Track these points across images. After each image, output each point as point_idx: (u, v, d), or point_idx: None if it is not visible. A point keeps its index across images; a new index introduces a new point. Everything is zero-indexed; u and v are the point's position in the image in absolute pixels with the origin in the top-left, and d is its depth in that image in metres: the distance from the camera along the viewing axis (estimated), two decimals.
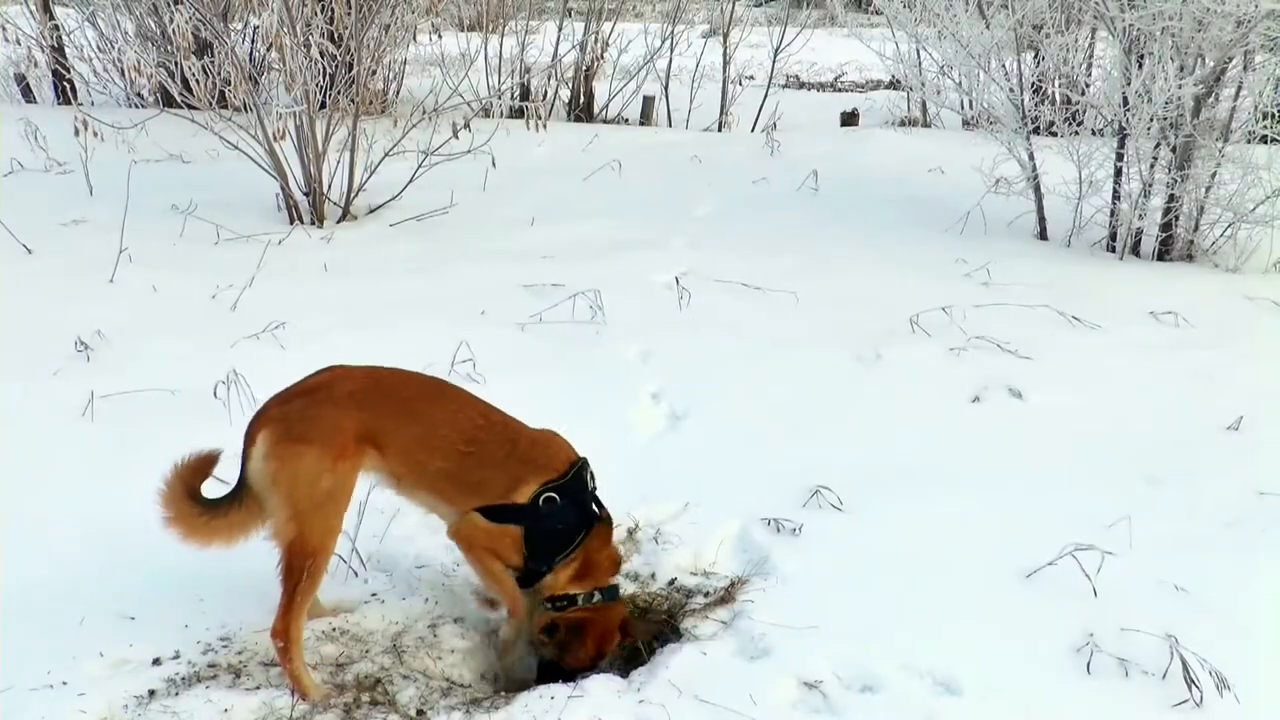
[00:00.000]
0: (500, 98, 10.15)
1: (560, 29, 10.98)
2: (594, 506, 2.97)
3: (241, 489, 2.78)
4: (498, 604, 3.07)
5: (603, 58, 11.23)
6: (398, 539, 3.41)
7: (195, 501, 2.77)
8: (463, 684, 2.95)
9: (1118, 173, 6.78)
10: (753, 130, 10.67)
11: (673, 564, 3.39)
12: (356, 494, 2.94)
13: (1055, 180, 7.04)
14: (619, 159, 8.67)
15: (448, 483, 2.90)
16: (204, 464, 2.81)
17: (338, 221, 7.12)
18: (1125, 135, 6.63)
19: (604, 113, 11.22)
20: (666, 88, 11.27)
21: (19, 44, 9.64)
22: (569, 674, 2.95)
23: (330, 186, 7.09)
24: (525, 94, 10.84)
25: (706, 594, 3.25)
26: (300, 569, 2.70)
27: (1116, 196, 6.83)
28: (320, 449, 2.72)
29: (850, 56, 14.57)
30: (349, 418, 2.79)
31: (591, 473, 2.99)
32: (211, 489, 2.86)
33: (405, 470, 2.89)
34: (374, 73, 8.52)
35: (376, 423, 2.83)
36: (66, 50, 10.07)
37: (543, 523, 2.86)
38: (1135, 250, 6.85)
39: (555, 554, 2.90)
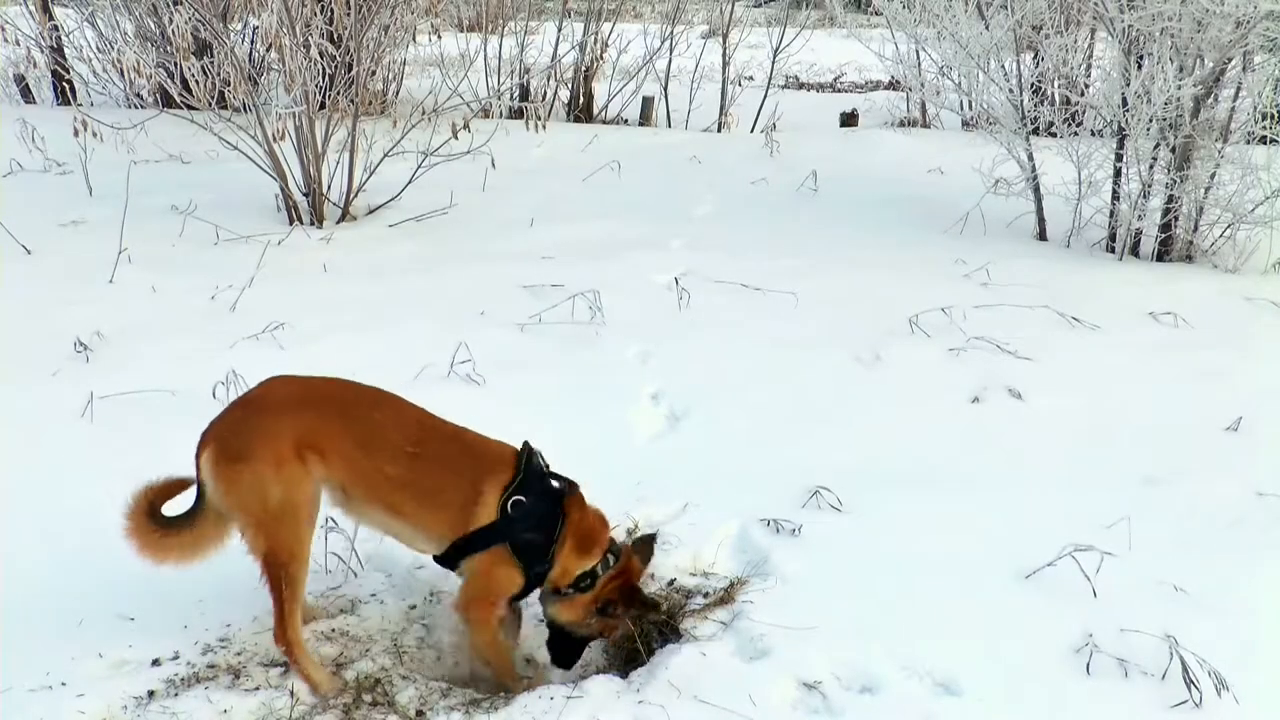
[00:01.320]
0: (500, 98, 10.15)
1: (560, 29, 10.98)
2: (555, 482, 2.90)
3: (198, 508, 2.77)
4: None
5: (602, 58, 11.24)
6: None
7: (152, 518, 2.76)
8: (462, 684, 2.95)
9: (1117, 173, 6.78)
10: (752, 131, 10.67)
11: (672, 565, 3.38)
12: None
13: (1054, 181, 7.05)
14: (618, 159, 8.67)
15: (402, 492, 2.80)
16: (171, 488, 2.81)
17: (337, 222, 7.12)
18: (1124, 136, 6.64)
19: (603, 113, 11.22)
20: (666, 88, 11.28)
21: (18, 44, 9.64)
22: (579, 648, 2.97)
23: (330, 187, 7.09)
24: (525, 94, 10.85)
25: (706, 594, 3.24)
26: (279, 578, 2.70)
27: (1116, 197, 6.84)
28: (258, 461, 2.68)
29: (849, 57, 14.58)
30: (284, 424, 2.73)
31: (539, 453, 2.91)
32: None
33: (352, 478, 2.79)
34: (373, 73, 8.53)
35: (315, 426, 2.76)
36: (66, 51, 10.08)
37: (520, 527, 2.80)
38: (1134, 251, 6.85)
39: (546, 549, 2.85)
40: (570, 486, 2.93)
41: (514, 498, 2.78)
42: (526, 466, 2.84)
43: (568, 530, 2.87)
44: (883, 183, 8.43)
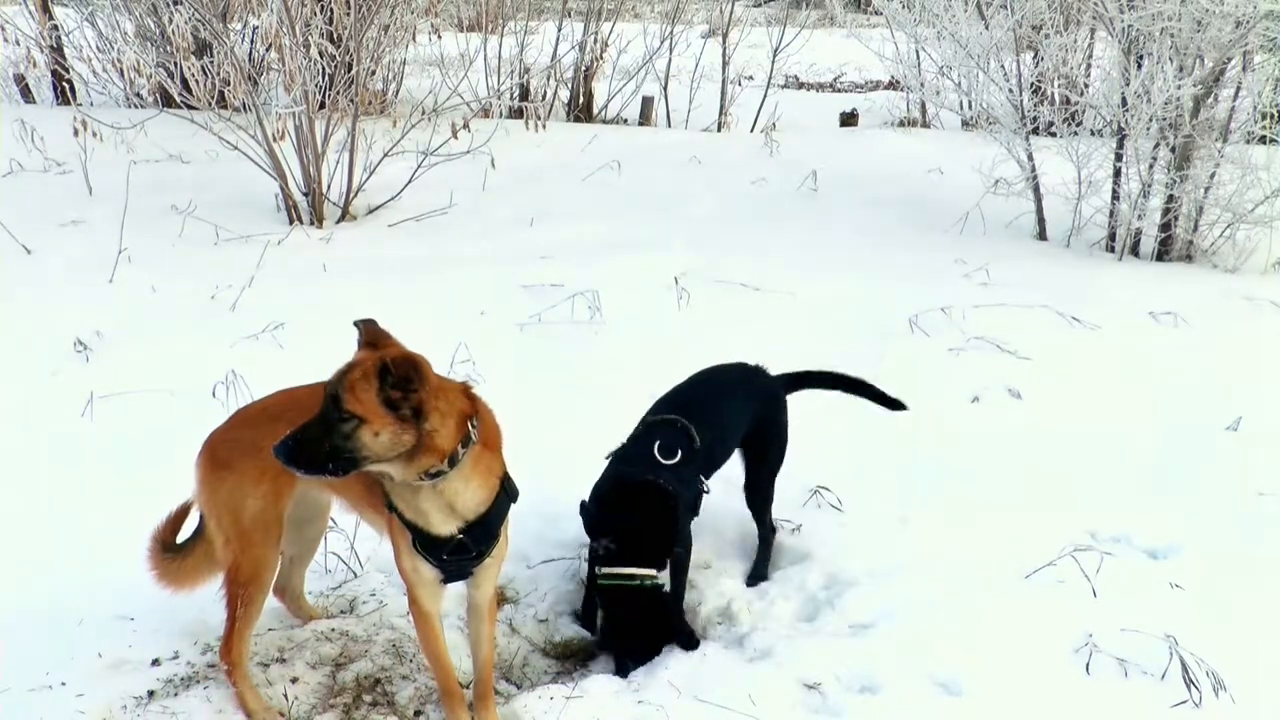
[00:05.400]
0: (499, 98, 10.15)
1: (559, 29, 10.98)
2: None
3: (198, 531, 2.78)
4: None
5: (602, 58, 11.22)
6: None
7: (166, 550, 2.80)
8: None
9: (1117, 173, 6.78)
10: (752, 130, 10.67)
11: None
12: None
13: (1054, 181, 7.05)
14: (618, 159, 8.67)
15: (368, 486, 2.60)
16: (180, 517, 2.84)
17: (337, 222, 7.12)
18: (1124, 136, 6.64)
19: (603, 113, 11.22)
20: (666, 88, 11.27)
21: (18, 44, 9.62)
22: None
23: (329, 187, 7.09)
24: (525, 94, 10.84)
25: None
26: (236, 598, 2.67)
27: (1115, 197, 6.84)
28: (240, 472, 2.64)
29: (849, 57, 14.55)
30: (268, 437, 2.55)
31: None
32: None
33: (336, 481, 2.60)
34: (373, 73, 8.53)
35: None
36: (65, 50, 10.06)
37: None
38: (1134, 250, 6.85)
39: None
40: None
41: None
42: None
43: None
44: (883, 183, 8.42)
